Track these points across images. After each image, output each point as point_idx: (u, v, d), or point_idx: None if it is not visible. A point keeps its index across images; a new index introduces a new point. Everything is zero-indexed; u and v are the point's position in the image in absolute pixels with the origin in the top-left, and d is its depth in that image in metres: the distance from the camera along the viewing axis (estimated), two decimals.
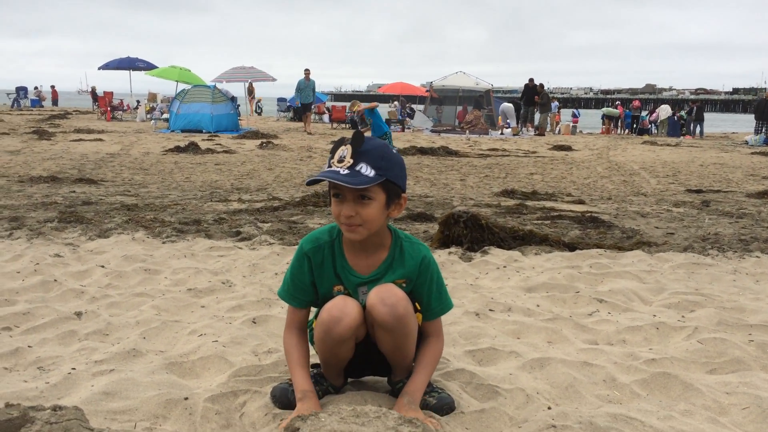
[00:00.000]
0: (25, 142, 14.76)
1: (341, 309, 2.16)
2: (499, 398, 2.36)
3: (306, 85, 22.19)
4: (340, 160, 2.12)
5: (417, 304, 2.31)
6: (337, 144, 2.18)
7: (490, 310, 3.51)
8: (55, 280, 3.85)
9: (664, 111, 28.51)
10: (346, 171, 2.09)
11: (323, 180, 2.11)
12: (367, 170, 2.09)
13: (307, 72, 22.27)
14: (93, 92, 33.80)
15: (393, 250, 2.29)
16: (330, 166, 2.14)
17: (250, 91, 32.90)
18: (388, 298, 2.14)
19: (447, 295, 2.37)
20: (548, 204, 7.78)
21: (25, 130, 18.46)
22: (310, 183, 2.17)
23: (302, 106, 22.95)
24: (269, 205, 6.95)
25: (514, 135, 23.69)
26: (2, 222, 5.55)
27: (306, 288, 2.31)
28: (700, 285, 4.08)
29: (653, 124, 28.79)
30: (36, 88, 41.40)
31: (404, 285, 2.27)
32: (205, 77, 26.75)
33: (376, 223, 2.18)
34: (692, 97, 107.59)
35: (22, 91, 38.77)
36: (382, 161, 2.13)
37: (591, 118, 35.14)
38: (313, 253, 2.29)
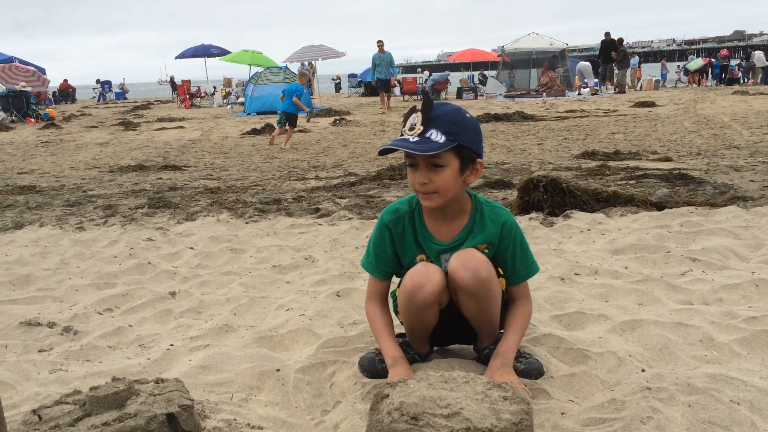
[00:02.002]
0: (113, 134, 15.48)
1: (424, 275, 2.16)
2: (590, 362, 2.31)
3: (381, 59, 19.47)
4: (411, 128, 2.11)
5: (500, 270, 2.28)
6: (409, 112, 2.17)
7: (576, 274, 3.42)
8: (149, 263, 4.04)
9: (759, 59, 26.69)
10: (416, 138, 2.08)
11: (395, 149, 2.11)
12: (437, 136, 2.08)
13: (380, 44, 19.63)
14: (172, 81, 34.95)
15: (473, 215, 2.27)
16: (401, 135, 2.13)
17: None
18: (469, 261, 2.12)
19: (533, 257, 2.32)
20: (632, 163, 7.49)
21: (112, 122, 19.34)
22: (382, 153, 2.17)
23: (378, 82, 20.12)
24: (346, 181, 7.02)
25: (592, 95, 22.87)
26: (97, 210, 5.85)
27: (388, 259, 2.32)
28: None
29: (747, 73, 27.03)
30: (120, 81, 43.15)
31: (486, 251, 2.25)
32: (276, 58, 27.16)
33: (451, 189, 2.16)
34: None
35: (106, 84, 40.52)
36: (454, 126, 2.10)
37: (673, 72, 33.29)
38: (394, 224, 2.30)
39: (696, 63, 29.02)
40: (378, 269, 2.35)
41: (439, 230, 2.28)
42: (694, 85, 27.50)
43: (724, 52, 29.57)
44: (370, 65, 20.64)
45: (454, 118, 2.12)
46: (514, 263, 2.27)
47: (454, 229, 2.27)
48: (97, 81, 40.97)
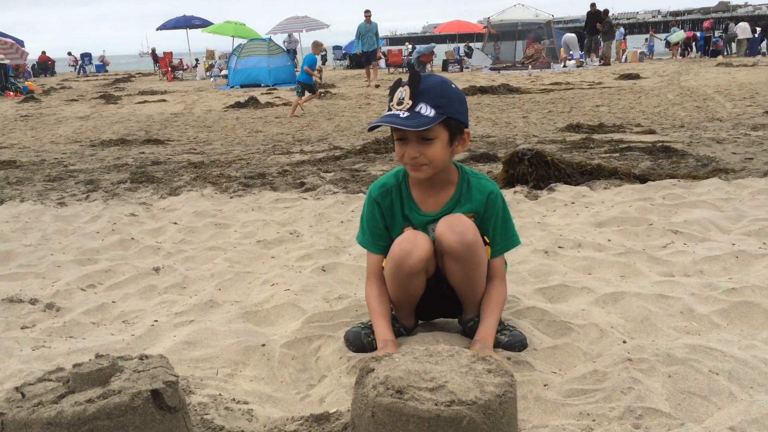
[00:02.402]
0: (94, 107, 15.26)
1: (412, 242, 2.17)
2: (572, 334, 2.34)
3: (367, 30, 18.57)
4: (399, 103, 2.11)
5: (486, 237, 2.29)
6: (395, 86, 2.16)
7: (560, 247, 3.45)
8: (133, 238, 4.01)
9: (742, 30, 26.66)
10: (406, 114, 2.08)
11: (384, 125, 2.10)
12: (427, 110, 2.07)
13: (367, 14, 18.58)
14: (153, 54, 34.42)
15: (460, 185, 2.28)
16: (390, 110, 2.13)
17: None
18: (456, 226, 2.13)
19: (514, 231, 2.33)
20: (616, 136, 7.51)
21: (93, 95, 19.05)
22: (372, 129, 2.16)
23: (363, 54, 19.09)
24: (331, 155, 6.99)
25: (577, 67, 22.84)
26: (79, 185, 5.79)
27: (382, 233, 2.33)
28: None
29: (727, 44, 27.04)
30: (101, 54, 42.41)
31: (473, 219, 2.25)
32: (260, 30, 26.81)
33: (441, 160, 2.17)
34: None
35: (86, 57, 39.82)
36: (442, 99, 2.10)
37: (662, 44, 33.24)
38: (382, 198, 2.31)
39: (678, 35, 29.05)
40: (375, 244, 2.35)
41: (425, 201, 2.28)
42: (678, 57, 27.55)
43: (707, 24, 29.62)
44: (354, 37, 20.30)
45: (441, 90, 2.12)
46: (494, 234, 2.29)
47: (441, 200, 2.28)
48: (69, 54, 40.15)
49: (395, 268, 2.19)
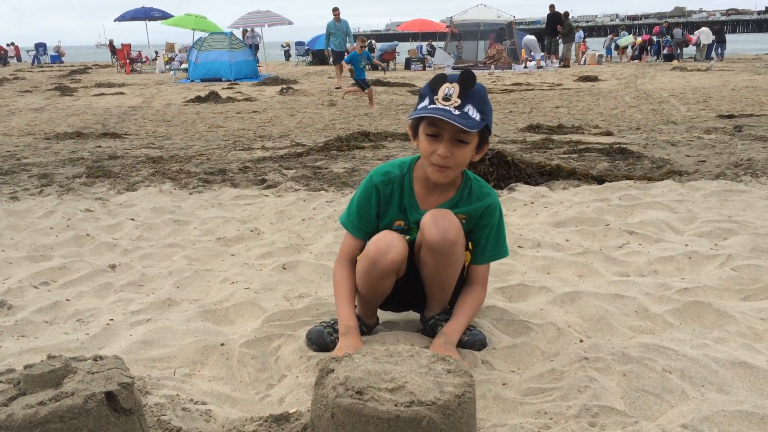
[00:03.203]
0: (48, 99, 14.85)
1: (388, 243, 2.17)
2: (531, 333, 2.37)
3: (337, 28, 17.52)
4: (446, 99, 2.07)
5: (470, 244, 2.30)
6: (438, 80, 2.11)
7: (519, 246, 3.49)
8: (88, 235, 3.92)
9: (705, 35, 27.32)
10: (457, 112, 2.05)
11: (433, 116, 2.05)
12: (473, 113, 2.07)
13: (336, 12, 17.53)
14: (111, 45, 33.69)
15: (462, 190, 2.28)
16: (433, 103, 2.08)
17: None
18: (441, 221, 2.13)
19: (505, 243, 2.35)
20: (575, 137, 7.64)
21: (47, 86, 18.55)
22: (416, 117, 2.11)
23: (333, 54, 17.79)
24: (293, 152, 6.94)
25: (538, 68, 23.15)
26: (32, 179, 5.63)
27: (371, 220, 2.31)
28: (733, 212, 4.01)
29: (696, 47, 27.66)
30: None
31: (463, 221, 2.25)
32: (222, 24, 26.47)
33: (464, 165, 2.17)
34: (723, 18, 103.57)
35: (41, 47, 38.75)
36: (485, 105, 2.11)
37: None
38: (383, 186, 2.29)
39: (626, 39, 29.96)
40: (359, 228, 2.33)
41: (425, 199, 2.28)
42: (634, 61, 28.24)
43: (656, 29, 30.47)
44: (317, 33, 19.94)
45: (483, 96, 2.12)
46: (486, 243, 2.30)
47: (441, 200, 2.27)
48: (9, 44, 38.91)
49: (369, 266, 2.18)
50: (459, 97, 2.07)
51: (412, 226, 2.27)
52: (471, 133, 2.08)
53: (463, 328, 2.23)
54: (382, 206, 2.30)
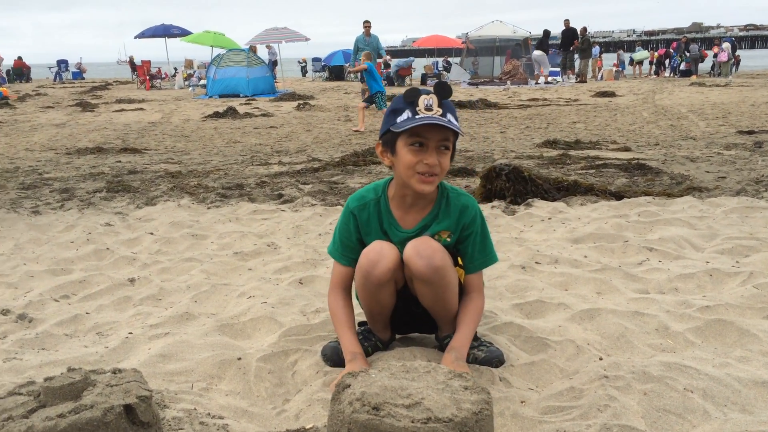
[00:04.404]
0: (70, 115, 15.07)
1: (378, 252, 2.17)
2: (549, 350, 2.35)
3: (366, 43, 16.09)
4: (428, 108, 2.09)
5: (459, 259, 2.30)
6: (413, 93, 2.12)
7: (536, 262, 3.47)
8: (108, 249, 3.95)
9: (727, 51, 27.06)
10: (445, 119, 2.08)
11: (430, 123, 2.06)
12: (454, 120, 2.11)
13: (367, 25, 16.13)
14: (131, 62, 34.12)
15: (439, 201, 2.28)
16: (416, 114, 2.09)
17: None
18: (423, 250, 2.13)
19: (492, 248, 2.34)
20: (592, 153, 7.61)
21: (69, 102, 18.83)
22: (411, 127, 2.08)
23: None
24: (309, 167, 6.97)
25: (545, 83, 23.02)
26: (54, 194, 5.71)
27: (354, 246, 2.32)
28: (755, 229, 3.96)
29: (717, 65, 27.34)
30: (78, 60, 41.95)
31: (449, 238, 2.26)
32: (240, 40, 26.74)
33: (446, 172, 2.20)
34: (741, 34, 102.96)
35: (63, 64, 39.37)
36: (455, 112, 2.15)
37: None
38: (359, 211, 2.30)
39: (641, 54, 29.83)
40: (344, 256, 2.34)
41: (404, 217, 2.28)
42: (652, 75, 28.17)
43: (674, 44, 30.29)
44: (333, 49, 19.66)
45: (452, 104, 2.17)
46: (473, 251, 2.29)
47: (420, 216, 2.28)
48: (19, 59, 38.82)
49: (363, 278, 2.19)
50: (439, 106, 2.10)
51: (398, 246, 2.25)
52: (450, 140, 2.14)
53: (469, 340, 2.23)
54: (362, 230, 2.31)
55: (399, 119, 2.11)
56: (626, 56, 31.64)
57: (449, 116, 2.10)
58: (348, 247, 2.33)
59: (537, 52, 25.17)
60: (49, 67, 40.83)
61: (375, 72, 11.95)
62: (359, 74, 13.49)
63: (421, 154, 2.12)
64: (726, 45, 27.13)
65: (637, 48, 33.00)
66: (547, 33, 25.43)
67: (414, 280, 2.18)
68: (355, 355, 2.19)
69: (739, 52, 28.33)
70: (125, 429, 1.51)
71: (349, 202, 2.34)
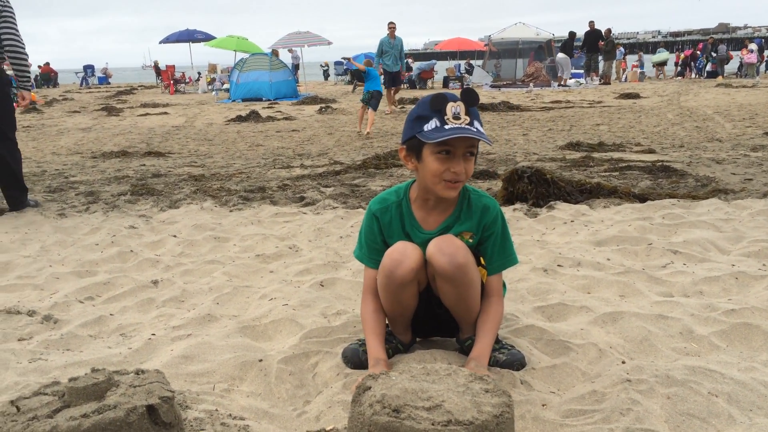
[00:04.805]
0: (95, 119, 15.30)
1: (401, 252, 2.17)
2: (571, 353, 2.33)
3: (391, 46, 15.49)
4: (456, 117, 2.09)
5: (482, 259, 2.29)
6: (440, 100, 2.10)
7: (559, 265, 3.44)
8: (132, 251, 4.00)
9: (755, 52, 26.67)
10: (473, 128, 2.08)
11: (464, 136, 2.06)
12: (480, 128, 2.11)
13: (391, 26, 15.48)
14: (156, 66, 34.55)
15: (461, 203, 2.28)
16: (445, 123, 2.08)
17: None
18: (446, 247, 2.13)
19: (512, 249, 2.33)
20: (616, 155, 7.53)
21: (95, 107, 19.11)
22: (444, 139, 2.06)
23: (386, 75, 15.27)
24: (331, 170, 6.99)
25: (560, 86, 22.82)
26: (79, 197, 5.79)
27: (380, 248, 2.32)
28: None
29: (744, 66, 26.94)
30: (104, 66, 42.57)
31: (471, 240, 2.25)
32: (262, 45, 26.93)
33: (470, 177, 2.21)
34: None
35: (89, 69, 39.97)
36: (479, 116, 2.14)
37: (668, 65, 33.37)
38: (381, 214, 2.31)
39: (661, 56, 29.53)
40: (371, 259, 2.35)
41: (426, 219, 2.29)
42: (662, 76, 27.92)
43: (701, 45, 29.91)
44: (355, 53, 19.69)
45: (476, 109, 2.16)
46: (493, 252, 2.29)
47: (441, 218, 2.28)
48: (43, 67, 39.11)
49: (386, 278, 2.19)
50: (467, 114, 2.09)
51: (420, 246, 2.25)
52: (476, 145, 2.15)
53: (489, 348, 2.21)
54: (385, 232, 2.32)
55: (426, 127, 2.10)
56: (646, 58, 31.34)
57: (476, 124, 2.10)
58: (374, 249, 2.33)
59: (560, 55, 25.02)
60: (76, 73, 41.49)
61: (373, 73, 11.80)
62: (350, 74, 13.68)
63: (448, 162, 2.12)
64: (753, 46, 26.71)
65: (659, 49, 32.59)
66: (572, 35, 25.28)
67: (437, 278, 2.18)
68: (378, 360, 2.19)
69: (766, 52, 27.84)
70: (148, 429, 1.52)
71: (371, 205, 2.35)
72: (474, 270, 2.18)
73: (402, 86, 14.55)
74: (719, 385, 1.99)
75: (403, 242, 2.23)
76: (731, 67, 28.44)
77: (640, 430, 1.75)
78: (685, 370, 2.07)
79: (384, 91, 12.90)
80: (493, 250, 2.29)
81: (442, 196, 2.19)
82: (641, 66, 29.33)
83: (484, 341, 2.21)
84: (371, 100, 11.16)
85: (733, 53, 28.18)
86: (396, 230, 2.30)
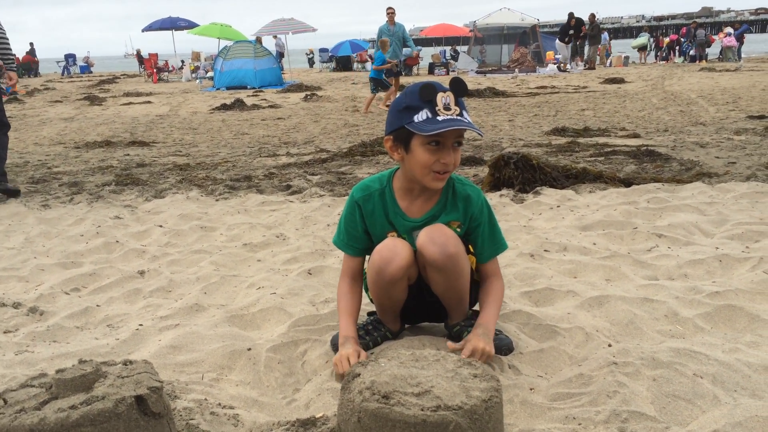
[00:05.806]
0: (78, 109, 15.13)
1: (392, 249, 2.17)
2: (558, 337, 2.35)
3: (391, 33, 13.81)
4: (447, 108, 2.07)
5: (470, 247, 2.30)
6: (429, 91, 2.07)
7: (545, 250, 3.46)
8: (117, 241, 3.98)
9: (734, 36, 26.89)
10: (464, 119, 2.08)
11: (458, 128, 2.06)
12: (468, 117, 2.11)
13: (390, 12, 13.97)
14: (138, 55, 34.16)
15: (445, 192, 2.28)
16: (436, 114, 2.06)
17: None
18: (438, 237, 2.13)
19: (501, 236, 2.34)
20: (601, 140, 7.56)
21: (77, 96, 18.90)
22: (440, 131, 2.04)
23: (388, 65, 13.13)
24: (317, 158, 6.97)
25: (560, 71, 22.91)
26: (63, 188, 5.74)
27: (359, 236, 2.32)
28: (765, 214, 3.93)
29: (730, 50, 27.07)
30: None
31: (458, 229, 2.26)
32: (246, 32, 26.72)
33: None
34: (752, 18, 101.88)
35: (71, 58, 39.47)
36: (465, 105, 2.14)
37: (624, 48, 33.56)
38: (364, 201, 2.30)
39: (640, 40, 29.90)
40: (349, 246, 2.35)
41: (410, 207, 2.28)
42: (661, 62, 28.05)
43: (684, 30, 30.05)
44: (340, 39, 19.50)
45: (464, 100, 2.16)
46: (483, 241, 2.29)
47: (426, 206, 2.27)
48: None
49: (376, 275, 2.19)
50: (456, 104, 2.08)
51: (403, 235, 2.26)
52: (464, 135, 2.15)
53: (496, 318, 2.24)
54: (367, 220, 2.30)
55: (417, 118, 2.07)
56: (624, 42, 31.63)
57: (465, 114, 2.10)
58: (353, 237, 2.33)
59: (558, 43, 25.01)
60: (57, 62, 40.95)
61: (380, 58, 12.51)
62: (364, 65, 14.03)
63: (438, 153, 2.11)
64: (729, 29, 26.97)
65: (641, 33, 32.84)
66: (571, 15, 24.90)
67: (427, 268, 2.18)
68: (346, 338, 2.20)
69: (747, 35, 28.03)
70: (137, 420, 1.52)
71: (354, 192, 2.34)
72: (464, 259, 2.19)
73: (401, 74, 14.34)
74: (704, 366, 2.01)
75: (393, 239, 2.23)
76: (713, 51, 28.59)
77: (626, 412, 1.77)
78: (671, 352, 2.10)
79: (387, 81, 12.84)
80: (483, 239, 2.29)
81: (431, 187, 2.18)
82: (607, 54, 29.36)
83: (489, 311, 2.23)
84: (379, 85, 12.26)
85: (714, 37, 28.32)
86: (379, 219, 2.29)
